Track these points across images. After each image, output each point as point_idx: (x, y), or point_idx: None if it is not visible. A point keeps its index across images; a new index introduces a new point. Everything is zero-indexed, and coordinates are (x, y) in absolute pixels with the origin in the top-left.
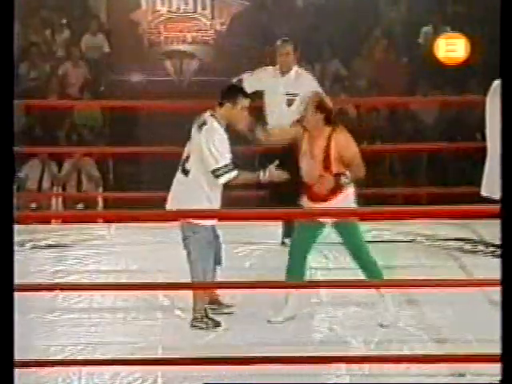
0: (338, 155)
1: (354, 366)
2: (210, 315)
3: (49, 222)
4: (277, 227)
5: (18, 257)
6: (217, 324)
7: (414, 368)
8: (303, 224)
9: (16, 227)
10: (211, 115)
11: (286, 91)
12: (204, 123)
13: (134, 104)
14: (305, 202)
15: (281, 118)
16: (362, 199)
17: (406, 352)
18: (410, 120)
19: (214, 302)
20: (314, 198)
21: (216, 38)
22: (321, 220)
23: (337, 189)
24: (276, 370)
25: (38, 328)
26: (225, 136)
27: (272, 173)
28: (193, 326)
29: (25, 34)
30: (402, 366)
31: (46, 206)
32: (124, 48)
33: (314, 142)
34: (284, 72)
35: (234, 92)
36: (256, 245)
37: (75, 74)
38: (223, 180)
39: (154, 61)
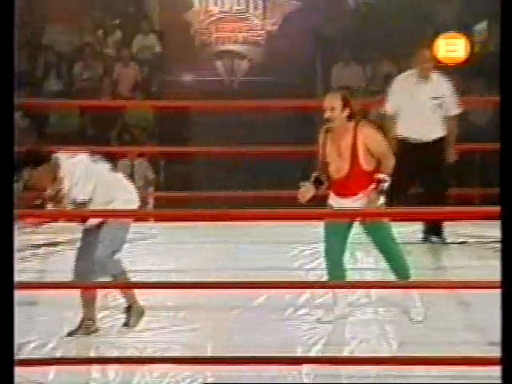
0: (365, 148)
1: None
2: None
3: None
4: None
5: (70, 254)
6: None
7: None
8: (332, 224)
9: (67, 226)
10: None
11: (430, 97)
12: None
13: (185, 104)
14: (332, 198)
15: (422, 125)
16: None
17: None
18: (462, 120)
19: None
20: (342, 193)
21: (267, 39)
22: (349, 219)
23: (366, 183)
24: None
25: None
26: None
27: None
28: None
29: (78, 35)
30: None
31: None
32: (175, 48)
33: (340, 139)
34: (426, 77)
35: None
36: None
37: (127, 74)
38: None
39: (205, 61)
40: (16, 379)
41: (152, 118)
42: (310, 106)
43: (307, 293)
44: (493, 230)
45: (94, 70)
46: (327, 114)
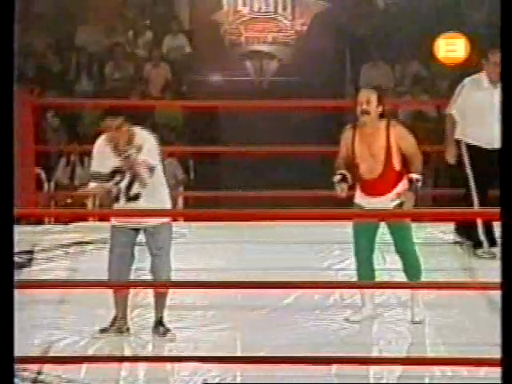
0: (397, 148)
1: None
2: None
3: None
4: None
5: (100, 253)
6: (166, 332)
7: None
8: (360, 224)
9: (98, 225)
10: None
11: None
12: None
13: (214, 104)
14: (362, 197)
15: (493, 131)
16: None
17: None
18: None
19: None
20: (373, 193)
21: (296, 39)
22: (376, 219)
23: (396, 183)
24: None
25: None
26: (107, 149)
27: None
28: (154, 331)
29: (110, 36)
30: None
31: None
32: (205, 48)
33: (372, 139)
34: (495, 82)
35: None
36: None
37: (157, 74)
38: (89, 187)
39: (234, 61)
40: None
41: (181, 118)
42: (339, 105)
43: (336, 293)
44: None
45: (125, 70)
46: (363, 107)
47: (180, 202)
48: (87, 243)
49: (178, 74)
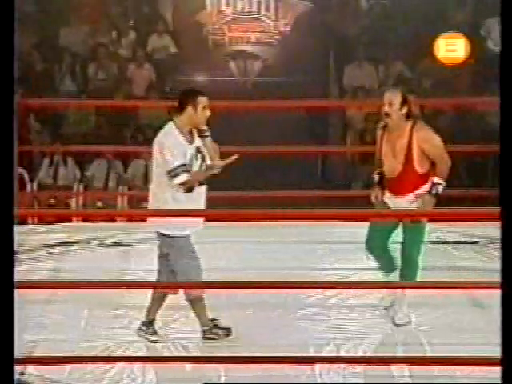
0: (420, 151)
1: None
2: (218, 324)
3: (114, 220)
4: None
5: (85, 254)
6: (227, 332)
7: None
8: (377, 224)
9: (82, 225)
10: (171, 121)
11: None
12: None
13: None
14: (387, 196)
15: None
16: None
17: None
18: (476, 121)
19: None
20: (395, 192)
21: (280, 39)
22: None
23: (418, 184)
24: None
25: None
26: (180, 139)
27: (224, 161)
28: (204, 337)
29: (93, 36)
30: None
31: (112, 205)
32: (189, 49)
33: (396, 140)
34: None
35: (192, 95)
36: None
37: (141, 74)
38: (177, 181)
39: (218, 61)
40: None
41: (165, 118)
42: (323, 106)
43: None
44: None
45: (109, 70)
46: (385, 109)
47: None
48: (72, 243)
49: (162, 75)
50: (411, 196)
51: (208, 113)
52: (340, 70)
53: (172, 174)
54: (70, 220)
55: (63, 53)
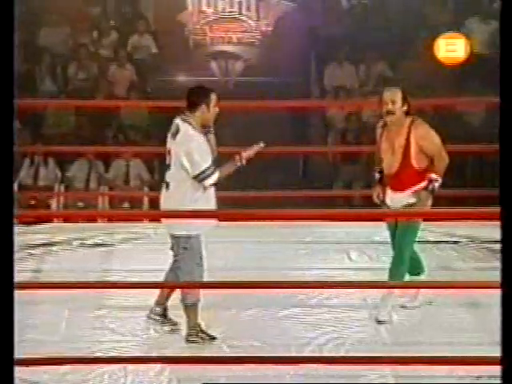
0: (418, 147)
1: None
2: (204, 329)
3: (95, 221)
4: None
5: (67, 255)
6: (212, 338)
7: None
8: (387, 223)
9: (63, 225)
10: (184, 121)
11: None
12: (177, 131)
13: (180, 104)
14: (388, 192)
15: None
16: None
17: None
18: (456, 121)
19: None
20: (394, 188)
21: (261, 39)
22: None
23: (416, 181)
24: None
25: None
26: (202, 139)
27: (249, 151)
28: (188, 341)
29: (74, 36)
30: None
31: (93, 206)
32: (170, 49)
33: (395, 137)
34: None
35: (205, 93)
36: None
37: (122, 74)
38: (210, 181)
39: (199, 61)
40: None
41: (147, 119)
42: (305, 106)
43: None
44: (489, 231)
45: (90, 70)
46: (388, 107)
47: (145, 202)
48: (53, 244)
49: (144, 75)
50: (408, 192)
51: (217, 110)
52: (321, 70)
53: (203, 175)
54: (51, 221)
55: (43, 53)
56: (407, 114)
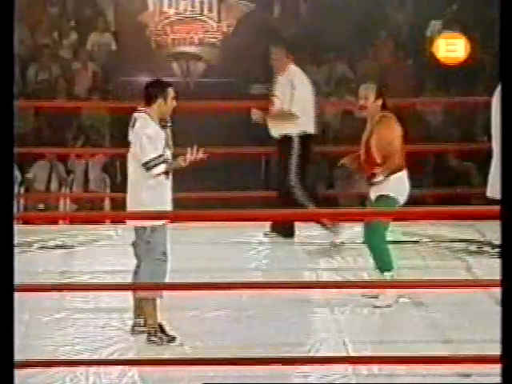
0: (377, 141)
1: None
2: (165, 330)
3: (56, 223)
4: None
5: (26, 257)
6: (171, 339)
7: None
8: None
9: (23, 228)
10: (141, 112)
11: None
12: (135, 123)
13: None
14: (367, 184)
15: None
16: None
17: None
18: (416, 121)
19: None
20: (368, 180)
21: (223, 40)
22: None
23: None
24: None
25: None
26: (158, 130)
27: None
28: (149, 340)
29: (34, 36)
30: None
31: (54, 207)
32: (131, 49)
33: (366, 130)
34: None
35: (162, 86)
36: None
37: (83, 75)
38: (156, 171)
39: (161, 62)
40: None
41: (107, 119)
42: (266, 107)
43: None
44: (448, 230)
45: (50, 71)
46: (360, 102)
47: (107, 203)
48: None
49: (105, 75)
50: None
51: (175, 103)
52: None
53: (150, 164)
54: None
55: None
56: (384, 107)
